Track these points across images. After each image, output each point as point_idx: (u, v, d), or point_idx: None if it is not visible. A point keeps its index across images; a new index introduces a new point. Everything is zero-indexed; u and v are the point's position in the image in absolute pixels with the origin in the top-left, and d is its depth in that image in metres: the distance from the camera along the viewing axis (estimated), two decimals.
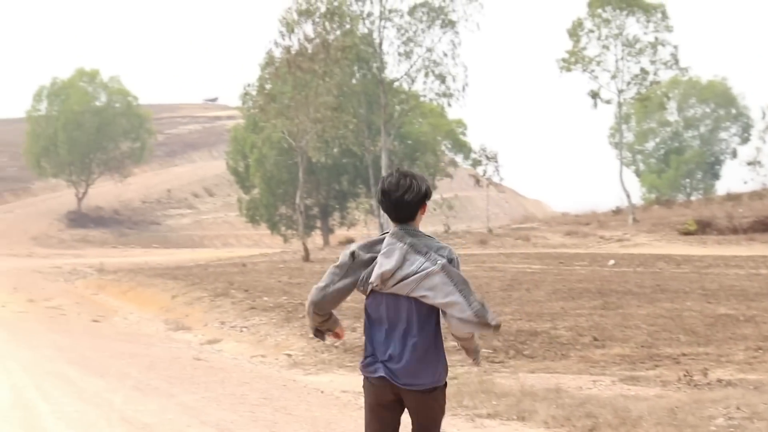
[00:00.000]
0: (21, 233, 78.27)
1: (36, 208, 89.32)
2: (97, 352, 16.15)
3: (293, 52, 47.42)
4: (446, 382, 5.79)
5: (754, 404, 9.79)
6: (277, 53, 48.81)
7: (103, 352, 16.18)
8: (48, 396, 11.50)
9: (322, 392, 12.09)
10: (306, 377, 13.54)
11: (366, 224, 53.42)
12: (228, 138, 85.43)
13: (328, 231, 69.34)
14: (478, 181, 62.28)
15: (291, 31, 48.47)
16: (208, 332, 20.49)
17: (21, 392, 11.79)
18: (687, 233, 45.61)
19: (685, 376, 11.79)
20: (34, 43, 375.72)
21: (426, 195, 5.63)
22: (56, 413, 10.37)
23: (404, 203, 5.61)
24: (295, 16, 48.45)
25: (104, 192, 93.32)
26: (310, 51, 47.62)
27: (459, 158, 75.53)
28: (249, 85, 55.65)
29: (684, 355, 13.82)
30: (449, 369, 5.85)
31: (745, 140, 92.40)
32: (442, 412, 5.86)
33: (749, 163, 63.23)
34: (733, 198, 56.86)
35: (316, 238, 69.11)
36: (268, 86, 51.54)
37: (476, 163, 62.98)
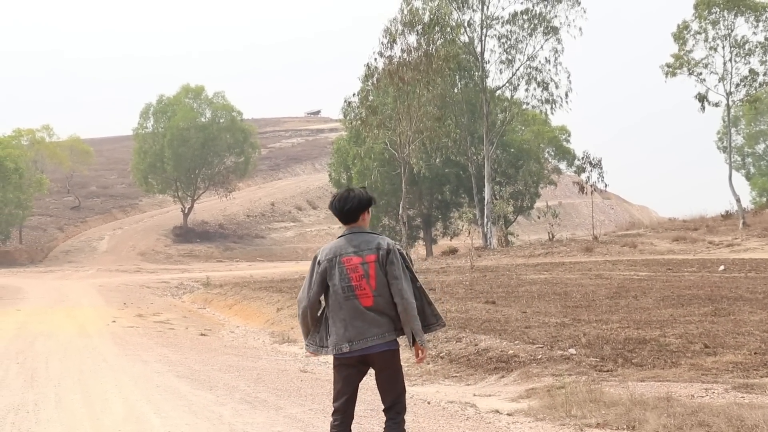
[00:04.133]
0: (129, 249, 79.81)
1: (143, 224, 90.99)
2: (206, 366, 16.30)
3: (395, 63, 47.49)
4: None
5: None
6: (379, 64, 48.99)
7: (212, 366, 16.32)
8: (159, 409, 11.61)
9: (428, 403, 12.01)
10: (412, 388, 13.46)
11: (469, 234, 53.11)
12: (330, 150, 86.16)
13: (431, 241, 69.32)
14: (582, 188, 61.58)
15: (393, 41, 48.59)
16: None
17: (133, 405, 11.93)
18: None
19: None
20: (141, 62, 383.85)
21: (367, 206, 7.34)
22: (167, 426, 10.46)
23: (347, 212, 7.30)
24: (400, 27, 48.55)
25: (209, 207, 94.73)
26: (412, 61, 47.65)
27: (563, 165, 75.06)
28: (352, 95, 55.95)
29: None
30: None
31: None
32: None
33: None
34: None
35: (420, 249, 69.16)
36: (370, 98, 51.69)
37: (580, 169, 62.37)
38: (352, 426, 7.51)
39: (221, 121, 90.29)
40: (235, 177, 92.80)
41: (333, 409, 7.40)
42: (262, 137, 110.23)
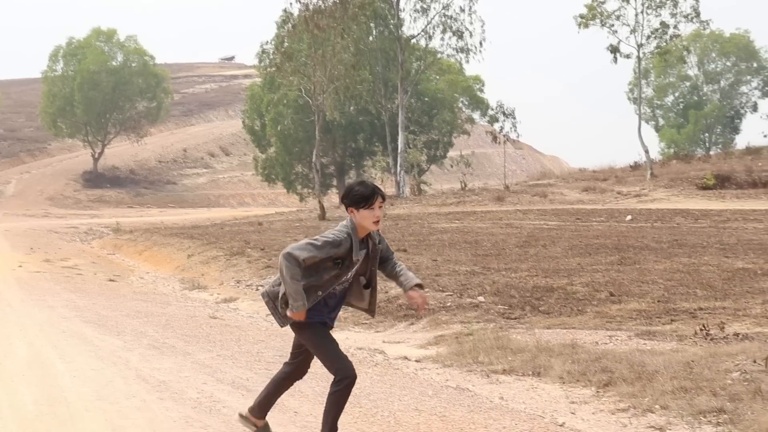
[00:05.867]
0: (37, 194, 78.54)
1: (52, 168, 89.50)
2: (114, 312, 16.17)
3: (311, 9, 47.12)
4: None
5: None
6: (295, 11, 48.56)
7: (120, 312, 16.20)
8: (64, 354, 11.51)
9: None
10: None
11: (382, 182, 53.23)
12: (244, 97, 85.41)
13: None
14: (495, 138, 61.97)
15: None
16: (224, 291, 20.51)
17: (38, 351, 11.81)
18: (705, 188, 45.47)
19: (701, 330, 11.72)
20: (50, 3, 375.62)
21: (342, 200, 7.08)
22: (73, 371, 10.38)
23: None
24: None
25: (120, 152, 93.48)
26: (327, 8, 47.33)
27: (476, 115, 75.15)
28: (266, 43, 55.37)
29: (701, 309, 13.74)
30: None
31: (765, 94, 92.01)
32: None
33: None
34: (752, 152, 56.50)
35: (332, 197, 69.15)
36: (285, 44, 51.27)
37: (493, 119, 62.67)
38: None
39: (133, 65, 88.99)
40: (146, 122, 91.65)
41: None
42: (175, 82, 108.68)
